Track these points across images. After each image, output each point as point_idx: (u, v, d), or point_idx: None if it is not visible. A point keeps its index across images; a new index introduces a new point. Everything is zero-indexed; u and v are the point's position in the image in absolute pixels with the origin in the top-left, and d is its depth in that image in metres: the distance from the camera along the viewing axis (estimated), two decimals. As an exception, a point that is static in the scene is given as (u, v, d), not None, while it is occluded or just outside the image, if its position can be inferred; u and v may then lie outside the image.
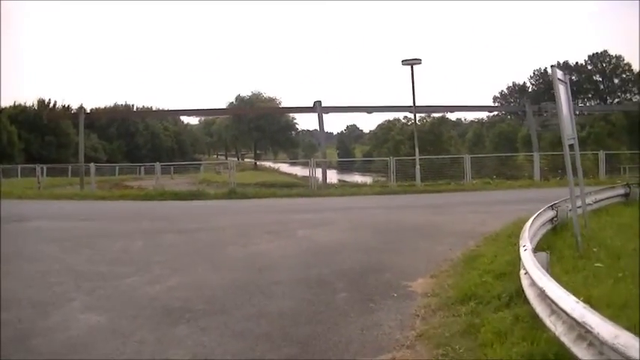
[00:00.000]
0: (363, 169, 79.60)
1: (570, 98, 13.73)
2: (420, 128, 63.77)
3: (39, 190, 40.81)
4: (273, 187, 48.90)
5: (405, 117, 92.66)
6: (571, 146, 13.20)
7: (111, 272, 12.49)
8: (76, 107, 55.73)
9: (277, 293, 10.65)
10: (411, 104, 44.01)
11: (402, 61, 39.32)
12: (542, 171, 39.71)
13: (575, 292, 6.50)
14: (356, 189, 39.01)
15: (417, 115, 59.77)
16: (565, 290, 6.51)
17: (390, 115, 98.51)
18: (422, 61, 39.71)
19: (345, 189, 39.25)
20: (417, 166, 38.28)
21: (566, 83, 13.52)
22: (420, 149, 40.84)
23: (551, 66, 13.10)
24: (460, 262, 12.63)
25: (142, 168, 69.47)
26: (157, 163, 41.77)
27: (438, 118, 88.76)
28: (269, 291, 10.78)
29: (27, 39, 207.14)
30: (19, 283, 11.65)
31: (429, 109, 64.75)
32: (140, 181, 59.29)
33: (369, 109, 56.59)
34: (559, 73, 12.97)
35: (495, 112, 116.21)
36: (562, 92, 12.93)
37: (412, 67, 39.56)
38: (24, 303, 10.23)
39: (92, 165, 43.42)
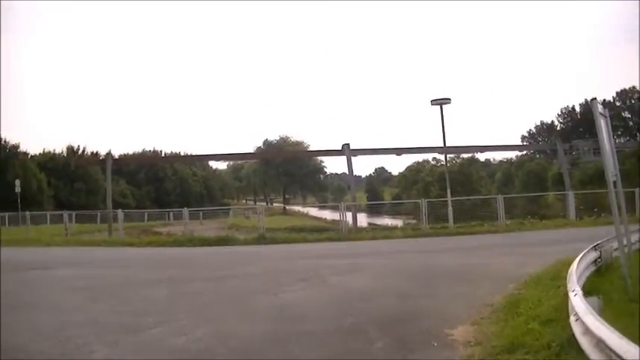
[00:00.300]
0: (393, 212, 79.16)
1: (611, 133, 13.04)
2: (449, 169, 62.97)
3: (66, 237, 40.40)
4: (303, 231, 48.21)
5: (434, 158, 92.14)
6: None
7: (135, 323, 11.91)
8: (105, 153, 55.59)
9: (311, 344, 10.07)
10: (441, 145, 43.39)
11: (432, 101, 38.53)
12: (577, 210, 38.79)
13: (632, 340, 5.85)
14: (387, 232, 38.15)
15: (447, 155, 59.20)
16: (627, 339, 5.88)
17: (419, 157, 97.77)
18: (451, 101, 39.07)
19: (376, 232, 38.28)
20: (450, 208, 37.49)
21: (606, 117, 12.84)
22: (451, 190, 40.09)
23: (592, 99, 12.44)
24: (502, 308, 11.96)
25: (171, 214, 69.01)
26: (185, 208, 41.23)
27: (468, 159, 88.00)
28: (302, 342, 10.18)
29: (55, 86, 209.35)
30: (39, 335, 11.16)
31: (459, 149, 63.91)
32: (169, 226, 59.04)
33: (399, 151, 55.71)
34: (599, 107, 12.31)
35: (524, 152, 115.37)
36: (603, 127, 12.28)
37: (441, 107, 38.77)
38: (43, 356, 9.76)
39: (119, 211, 42.88)
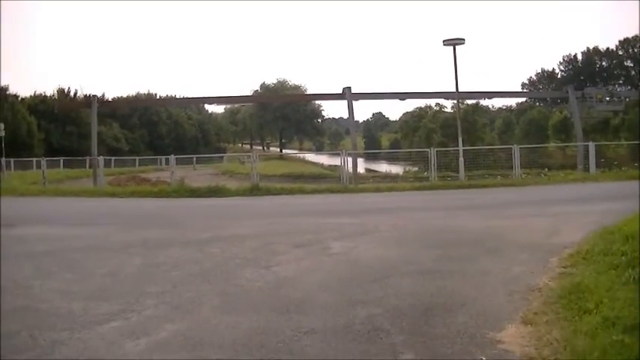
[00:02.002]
0: (391, 158, 77.35)
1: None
2: (453, 116, 60.60)
3: (44, 186, 37.69)
4: (300, 178, 46.95)
5: (438, 104, 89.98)
6: None
7: (87, 312, 9.18)
8: (92, 96, 52.84)
9: (312, 351, 7.37)
10: (445, 89, 41.42)
11: (444, 41, 35.78)
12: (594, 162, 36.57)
13: None
14: (392, 184, 35.75)
15: (450, 101, 57.06)
16: None
17: (421, 102, 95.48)
18: (465, 42, 36.22)
19: (380, 184, 35.70)
20: (461, 159, 34.96)
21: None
22: (454, 137, 37.77)
23: None
24: (556, 296, 9.23)
25: (164, 159, 67.28)
26: (172, 156, 38.56)
27: (472, 105, 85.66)
28: (300, 347, 7.49)
29: (48, 28, 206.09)
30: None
31: (468, 95, 61.06)
32: (161, 172, 57.43)
33: (402, 96, 53.21)
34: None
35: (525, 99, 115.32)
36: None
37: (454, 48, 36.23)
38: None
39: (101, 158, 40.21)
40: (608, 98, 55.87)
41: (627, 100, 72.86)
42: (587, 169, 35.88)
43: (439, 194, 28.59)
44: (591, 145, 35.84)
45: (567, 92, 52.97)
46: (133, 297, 10.06)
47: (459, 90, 39.28)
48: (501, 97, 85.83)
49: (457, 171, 35.64)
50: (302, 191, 32.01)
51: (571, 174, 35.73)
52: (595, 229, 14.02)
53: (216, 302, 9.79)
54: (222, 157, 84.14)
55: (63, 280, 11.54)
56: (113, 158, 65.09)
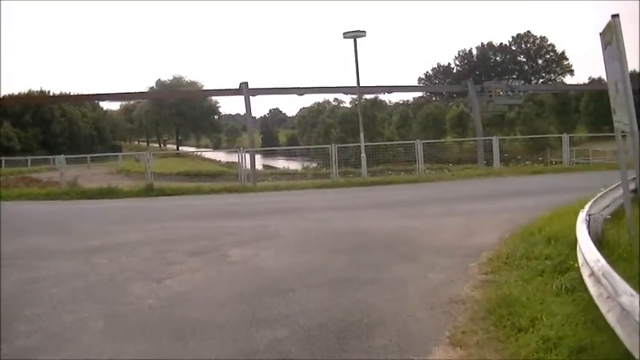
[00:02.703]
0: (288, 154, 77.14)
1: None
2: (351, 111, 60.12)
3: None
4: (197, 177, 45.83)
5: (336, 99, 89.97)
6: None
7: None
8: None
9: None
10: (345, 84, 40.56)
11: (344, 33, 34.80)
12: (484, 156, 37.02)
13: None
14: (292, 181, 34.73)
15: (348, 96, 56.77)
16: None
17: (320, 97, 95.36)
18: (366, 34, 35.34)
19: (279, 182, 34.72)
20: (363, 154, 34.04)
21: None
22: (353, 133, 37.25)
23: (613, 16, 8.54)
24: (484, 311, 8.28)
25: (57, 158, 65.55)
26: (62, 155, 37.21)
27: (371, 100, 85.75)
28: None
29: None
30: None
31: (369, 89, 60.76)
32: (54, 172, 55.55)
33: (301, 91, 52.55)
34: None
35: (422, 94, 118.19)
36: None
37: (355, 41, 35.32)
38: None
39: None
40: (506, 92, 56.79)
41: (523, 94, 74.35)
42: (489, 163, 35.71)
43: (342, 192, 27.63)
44: (495, 139, 35.48)
45: (467, 86, 53.19)
46: (3, 323, 8.60)
47: (352, 85, 38.71)
48: (402, 91, 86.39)
49: (357, 167, 34.95)
50: (199, 191, 30.58)
51: (475, 169, 35.64)
52: (511, 228, 13.61)
53: (101, 326, 8.49)
54: (117, 156, 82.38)
55: None
56: (4, 158, 62.99)
